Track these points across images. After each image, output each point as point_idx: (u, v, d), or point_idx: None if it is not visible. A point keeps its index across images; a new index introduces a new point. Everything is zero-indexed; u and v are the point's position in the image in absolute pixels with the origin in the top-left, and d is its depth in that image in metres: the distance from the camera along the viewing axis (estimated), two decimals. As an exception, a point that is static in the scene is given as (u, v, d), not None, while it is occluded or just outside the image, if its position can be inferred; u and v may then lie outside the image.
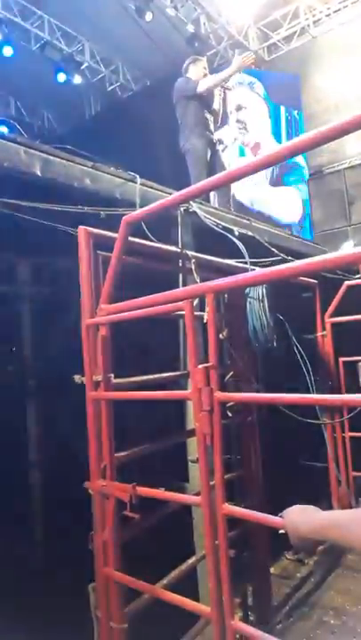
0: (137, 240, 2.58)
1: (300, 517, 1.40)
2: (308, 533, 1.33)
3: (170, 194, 3.32)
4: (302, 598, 3.80)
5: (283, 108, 9.45)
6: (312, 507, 1.45)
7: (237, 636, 2.05)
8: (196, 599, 2.92)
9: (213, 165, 5.10)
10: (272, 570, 3.92)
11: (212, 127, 5.23)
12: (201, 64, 5.24)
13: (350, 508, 4.49)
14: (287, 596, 3.84)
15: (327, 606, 3.65)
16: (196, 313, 2.21)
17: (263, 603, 3.46)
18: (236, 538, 2.96)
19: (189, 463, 3.18)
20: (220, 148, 5.30)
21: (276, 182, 9.19)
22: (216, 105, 5.23)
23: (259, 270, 1.90)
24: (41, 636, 3.34)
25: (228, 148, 8.57)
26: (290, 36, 10.11)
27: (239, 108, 8.97)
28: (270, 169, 8.73)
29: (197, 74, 5.19)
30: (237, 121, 8.91)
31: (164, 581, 2.49)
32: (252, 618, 3.44)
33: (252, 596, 3.47)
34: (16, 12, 8.42)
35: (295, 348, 4.00)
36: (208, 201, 4.62)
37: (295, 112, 9.53)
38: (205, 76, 5.16)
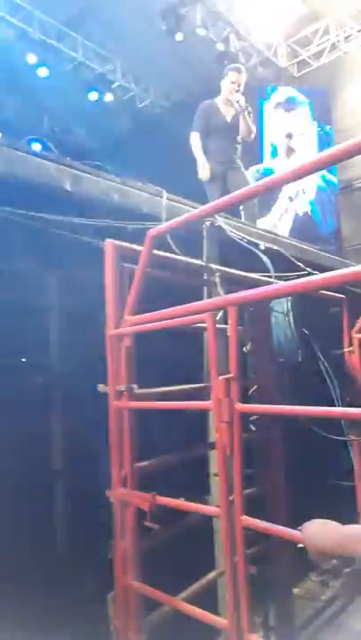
0: (162, 253, 2.63)
1: (320, 531, 1.39)
2: (328, 547, 1.33)
3: (195, 208, 3.38)
4: (327, 621, 3.71)
5: (315, 123, 9.46)
6: (333, 521, 1.44)
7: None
8: (216, 614, 2.90)
9: (229, 186, 5.02)
10: (296, 590, 3.84)
11: (234, 153, 5.13)
12: (229, 78, 5.01)
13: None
14: (311, 618, 3.75)
15: (352, 630, 3.55)
16: (219, 326, 2.24)
17: (285, 623, 3.38)
18: (259, 555, 2.92)
19: (211, 476, 3.17)
20: (239, 166, 5.17)
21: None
22: (242, 124, 5.05)
23: (282, 283, 1.91)
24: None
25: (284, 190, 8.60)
26: (320, 52, 10.15)
27: (289, 136, 8.95)
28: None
29: (225, 90, 5.04)
30: (288, 149, 8.88)
31: (184, 594, 2.48)
32: (273, 638, 3.37)
33: (274, 615, 3.40)
34: (52, 35, 8.76)
35: (321, 364, 3.96)
36: (238, 217, 4.62)
37: (327, 127, 9.52)
38: (231, 93, 4.97)
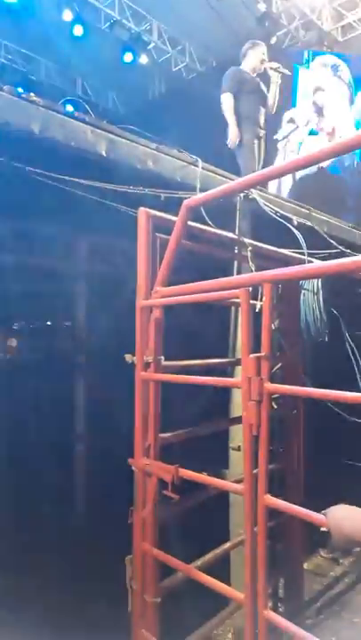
0: (195, 224, 2.57)
1: (346, 516, 1.38)
2: (354, 533, 1.32)
3: (232, 179, 3.28)
4: (334, 597, 3.77)
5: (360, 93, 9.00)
6: (357, 508, 1.42)
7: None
8: (228, 583, 2.96)
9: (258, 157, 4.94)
10: (305, 565, 3.89)
11: (261, 120, 5.01)
12: (260, 49, 4.99)
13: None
14: (319, 593, 3.81)
15: (359, 608, 3.60)
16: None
17: (294, 596, 3.45)
18: (272, 529, 2.96)
19: (231, 450, 3.19)
20: (262, 140, 5.07)
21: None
22: (271, 95, 4.98)
23: (319, 263, 1.85)
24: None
25: (300, 128, 8.19)
26: (366, 17, 9.60)
27: (317, 90, 8.55)
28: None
29: (255, 61, 4.98)
30: (313, 103, 8.49)
31: (199, 562, 2.53)
32: (281, 610, 3.44)
33: (284, 588, 3.47)
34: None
35: (347, 344, 3.89)
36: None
37: None
38: (263, 62, 4.94)
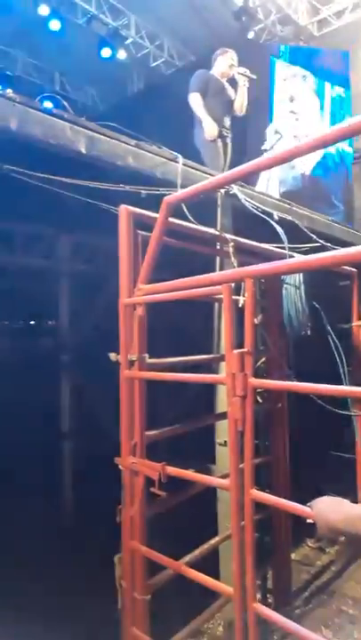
0: (177, 221, 2.57)
1: (330, 508, 1.39)
2: (338, 524, 1.33)
3: (212, 175, 3.28)
4: (322, 586, 3.82)
5: (328, 85, 9.07)
6: (342, 499, 1.44)
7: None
8: (217, 577, 2.99)
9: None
10: (293, 556, 3.94)
11: (227, 122, 5.11)
12: (229, 56, 5.14)
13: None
14: (307, 583, 3.87)
15: (347, 595, 3.66)
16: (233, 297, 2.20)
17: (282, 587, 3.49)
18: (259, 522, 2.99)
19: (217, 445, 3.21)
20: (229, 144, 5.13)
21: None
22: (240, 98, 5.09)
23: (300, 257, 1.87)
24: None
25: (284, 138, 8.35)
26: (342, 11, 9.66)
27: (292, 99, 8.73)
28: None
29: (224, 67, 5.12)
30: (291, 112, 8.67)
31: (187, 558, 2.54)
32: (270, 600, 3.48)
33: (272, 579, 3.51)
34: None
35: (329, 337, 3.93)
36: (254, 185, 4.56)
37: (342, 90, 9.13)
38: (231, 67, 5.07)
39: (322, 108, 9.07)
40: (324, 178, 9.07)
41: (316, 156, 8.84)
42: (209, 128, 4.85)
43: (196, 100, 4.92)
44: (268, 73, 8.48)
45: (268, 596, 3.51)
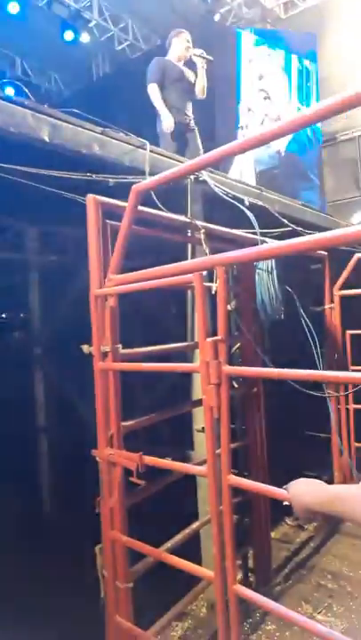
0: (146, 209, 2.54)
1: (305, 490, 1.41)
2: (313, 506, 1.35)
3: (181, 162, 3.25)
4: (301, 562, 3.93)
5: (295, 58, 9.00)
6: (317, 480, 1.47)
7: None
8: (199, 560, 3.04)
9: (185, 148, 4.91)
10: (272, 534, 4.03)
11: (189, 108, 5.05)
12: (184, 37, 5.04)
13: (351, 477, 4.59)
14: (286, 560, 3.96)
15: (325, 570, 3.77)
16: (204, 284, 2.19)
17: (263, 565, 3.57)
18: (239, 503, 3.04)
19: (195, 432, 3.23)
20: (196, 129, 5.09)
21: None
22: (200, 81, 5.00)
23: (271, 244, 1.87)
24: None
25: (256, 116, 8.36)
26: (308, -7, 9.65)
27: (261, 77, 8.66)
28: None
29: (180, 50, 5.03)
30: (261, 90, 8.61)
31: (168, 545, 2.57)
32: (251, 579, 3.56)
33: (253, 558, 3.59)
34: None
35: (303, 321, 3.98)
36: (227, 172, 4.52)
37: (308, 62, 9.09)
38: (188, 50, 4.99)
39: (290, 84, 9.05)
40: (300, 154, 9.10)
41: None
42: (166, 121, 4.79)
43: (153, 92, 4.84)
44: (234, 55, 8.42)
45: (249, 575, 3.59)
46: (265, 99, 8.64)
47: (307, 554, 4.06)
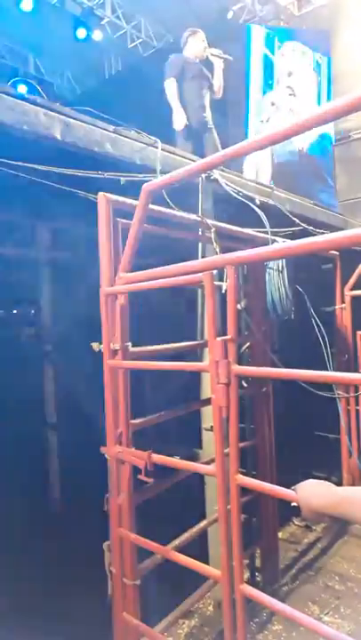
0: (157, 207, 2.54)
1: (314, 491, 1.41)
2: (321, 508, 1.35)
3: (193, 160, 3.25)
4: (309, 563, 3.92)
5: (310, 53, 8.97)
6: (326, 482, 1.46)
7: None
8: (207, 559, 3.04)
9: (202, 146, 4.89)
10: (280, 534, 4.02)
11: (207, 105, 5.01)
12: (199, 36, 5.02)
13: (360, 478, 4.56)
14: (294, 560, 3.96)
15: (333, 572, 3.76)
16: (215, 283, 2.19)
17: (270, 565, 3.57)
18: (247, 503, 3.03)
19: (204, 430, 3.23)
20: (213, 127, 5.05)
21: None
22: (217, 80, 4.99)
23: (282, 244, 1.86)
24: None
25: (281, 111, 8.37)
26: (323, -10, 9.54)
27: (290, 74, 8.66)
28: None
29: (196, 48, 5.00)
30: (287, 87, 8.61)
31: (176, 542, 2.58)
32: (258, 579, 3.56)
33: (260, 558, 3.59)
34: None
35: (313, 321, 3.96)
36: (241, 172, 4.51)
37: (318, 55, 9.03)
38: (205, 49, 4.97)
39: (319, 84, 9.02)
40: (320, 157, 9.08)
41: (313, 135, 8.83)
42: (177, 118, 4.78)
43: (170, 88, 4.82)
44: (245, 51, 8.38)
45: (256, 574, 3.58)
46: (290, 95, 8.61)
47: (314, 555, 4.05)
